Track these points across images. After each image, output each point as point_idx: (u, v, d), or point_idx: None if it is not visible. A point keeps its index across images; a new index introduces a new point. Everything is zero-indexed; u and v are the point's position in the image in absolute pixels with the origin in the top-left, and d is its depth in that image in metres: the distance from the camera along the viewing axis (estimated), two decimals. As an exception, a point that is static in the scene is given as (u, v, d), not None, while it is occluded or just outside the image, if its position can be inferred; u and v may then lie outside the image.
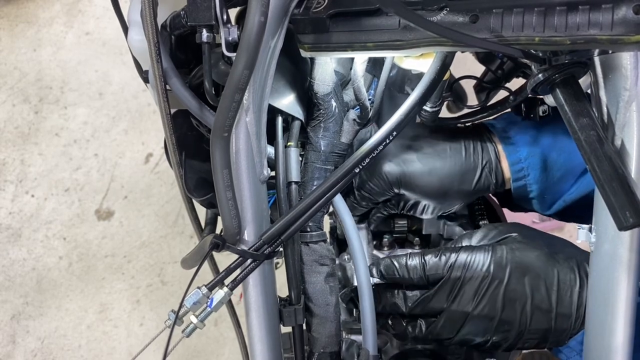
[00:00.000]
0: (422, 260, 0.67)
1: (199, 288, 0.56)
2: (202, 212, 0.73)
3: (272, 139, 0.65)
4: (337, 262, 0.80)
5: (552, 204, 0.75)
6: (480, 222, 0.83)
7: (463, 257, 0.66)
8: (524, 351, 0.75)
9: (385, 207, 0.80)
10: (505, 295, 0.64)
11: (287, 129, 0.67)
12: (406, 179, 0.73)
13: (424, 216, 0.79)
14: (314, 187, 0.65)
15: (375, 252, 0.85)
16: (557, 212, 0.76)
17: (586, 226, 0.59)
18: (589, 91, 0.56)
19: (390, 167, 0.73)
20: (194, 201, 0.70)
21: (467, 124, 0.80)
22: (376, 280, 0.71)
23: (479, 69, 0.81)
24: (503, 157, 0.74)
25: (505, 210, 0.86)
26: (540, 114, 0.74)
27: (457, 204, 0.77)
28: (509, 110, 0.79)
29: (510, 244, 0.67)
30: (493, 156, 0.74)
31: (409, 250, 0.84)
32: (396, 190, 0.74)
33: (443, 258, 0.67)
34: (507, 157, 0.74)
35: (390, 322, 0.71)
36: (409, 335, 0.70)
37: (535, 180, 0.73)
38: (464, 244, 0.70)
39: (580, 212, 0.63)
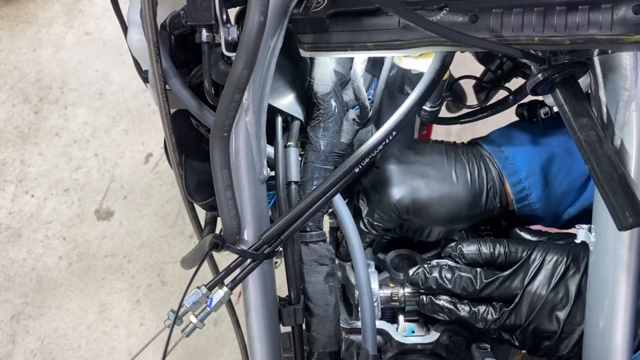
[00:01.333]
0: (505, 243, 0.69)
1: (198, 288, 0.56)
2: (201, 212, 0.73)
3: (271, 139, 0.65)
4: (336, 262, 0.80)
5: (558, 219, 0.75)
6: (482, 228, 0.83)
7: (542, 245, 0.68)
8: (523, 351, 0.75)
9: (388, 233, 0.78)
10: (580, 285, 0.65)
11: (286, 128, 0.67)
12: (415, 207, 0.72)
13: (428, 239, 0.78)
14: (314, 187, 0.65)
15: (375, 252, 0.85)
16: (563, 225, 0.76)
17: (586, 226, 0.59)
18: (588, 91, 0.56)
19: (399, 196, 0.72)
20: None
21: (462, 142, 0.79)
22: (445, 261, 0.71)
23: (478, 69, 0.81)
24: (504, 178, 0.74)
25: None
26: (542, 116, 0.74)
27: (462, 227, 0.77)
28: (513, 121, 0.79)
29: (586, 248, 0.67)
30: (497, 179, 0.73)
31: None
32: (404, 218, 0.74)
33: (523, 244, 0.68)
34: (507, 178, 0.73)
35: (457, 306, 0.69)
36: (477, 320, 0.68)
37: (537, 199, 0.73)
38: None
39: (586, 222, 0.64)
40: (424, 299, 0.71)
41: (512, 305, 0.66)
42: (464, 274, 0.68)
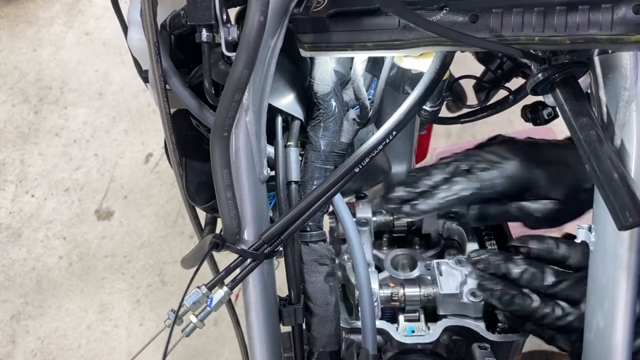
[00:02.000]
0: (579, 248, 0.67)
1: (198, 287, 0.56)
2: (202, 212, 0.73)
3: (271, 139, 0.65)
4: (336, 261, 0.80)
5: None
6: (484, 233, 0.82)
7: None
8: (523, 351, 0.75)
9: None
10: None
11: (287, 128, 0.67)
12: None
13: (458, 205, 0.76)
14: (314, 187, 0.65)
15: (375, 251, 0.85)
16: None
17: (586, 226, 0.59)
18: (588, 91, 0.56)
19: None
20: (194, 201, 0.69)
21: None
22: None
23: (478, 69, 0.81)
24: None
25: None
26: (546, 117, 0.74)
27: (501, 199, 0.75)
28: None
29: None
30: None
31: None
32: None
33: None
34: None
35: (520, 298, 0.66)
36: (541, 315, 0.66)
37: None
38: None
39: None
40: (491, 282, 0.69)
41: (579, 308, 0.65)
42: (532, 268, 0.67)
